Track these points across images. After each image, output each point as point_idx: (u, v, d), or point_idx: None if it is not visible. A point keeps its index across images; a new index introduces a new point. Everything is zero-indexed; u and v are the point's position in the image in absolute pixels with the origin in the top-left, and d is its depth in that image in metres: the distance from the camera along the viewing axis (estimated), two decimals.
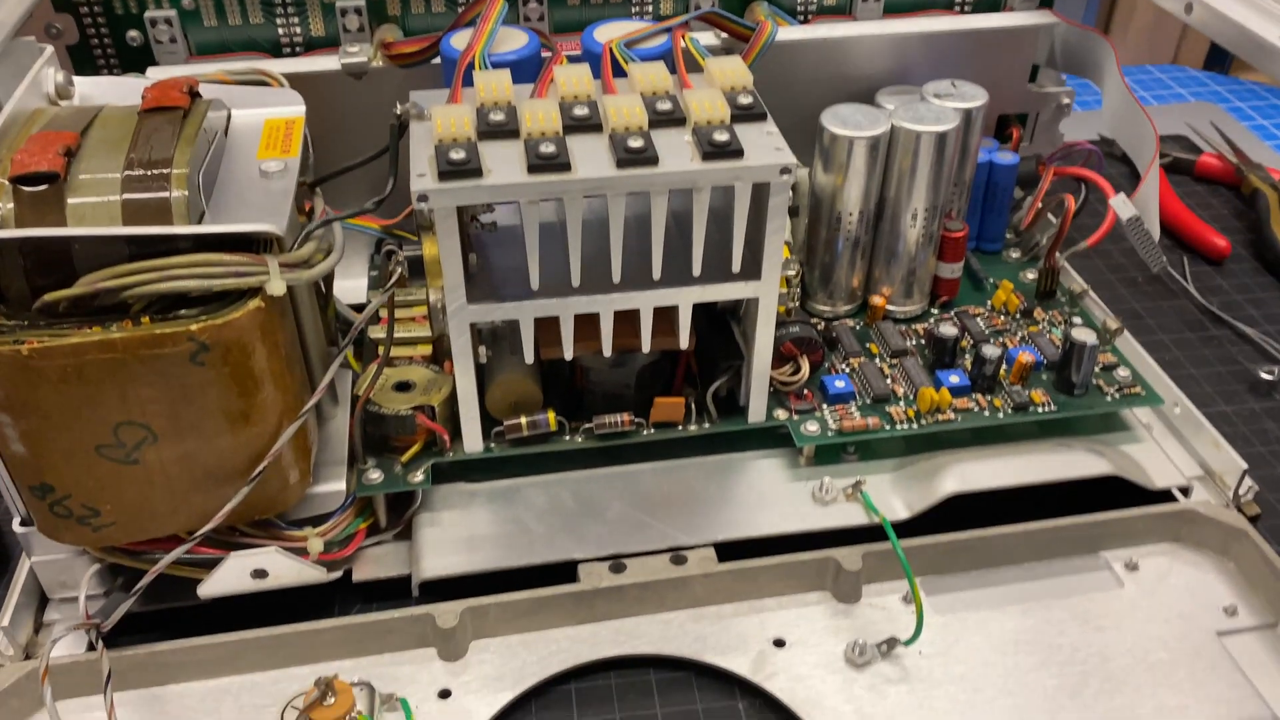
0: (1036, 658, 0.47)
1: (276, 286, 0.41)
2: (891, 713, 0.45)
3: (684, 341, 0.50)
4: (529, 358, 0.49)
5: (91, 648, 0.45)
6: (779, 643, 0.48)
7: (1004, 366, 0.55)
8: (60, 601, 0.49)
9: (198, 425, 0.42)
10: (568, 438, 0.52)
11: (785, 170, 0.44)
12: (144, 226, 0.40)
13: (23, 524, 0.46)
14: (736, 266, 0.47)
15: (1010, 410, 0.54)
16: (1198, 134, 0.87)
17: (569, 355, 0.49)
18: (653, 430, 0.53)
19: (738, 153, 0.44)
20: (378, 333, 0.55)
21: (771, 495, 0.52)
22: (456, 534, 0.50)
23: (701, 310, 0.50)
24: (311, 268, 0.43)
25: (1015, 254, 0.65)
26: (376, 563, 0.51)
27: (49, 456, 0.41)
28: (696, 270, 0.47)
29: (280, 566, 0.46)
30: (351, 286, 0.61)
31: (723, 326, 0.54)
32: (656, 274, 0.47)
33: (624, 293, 0.47)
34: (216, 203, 0.44)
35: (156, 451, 0.42)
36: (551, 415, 0.51)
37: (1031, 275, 0.63)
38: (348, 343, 0.46)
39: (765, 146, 0.45)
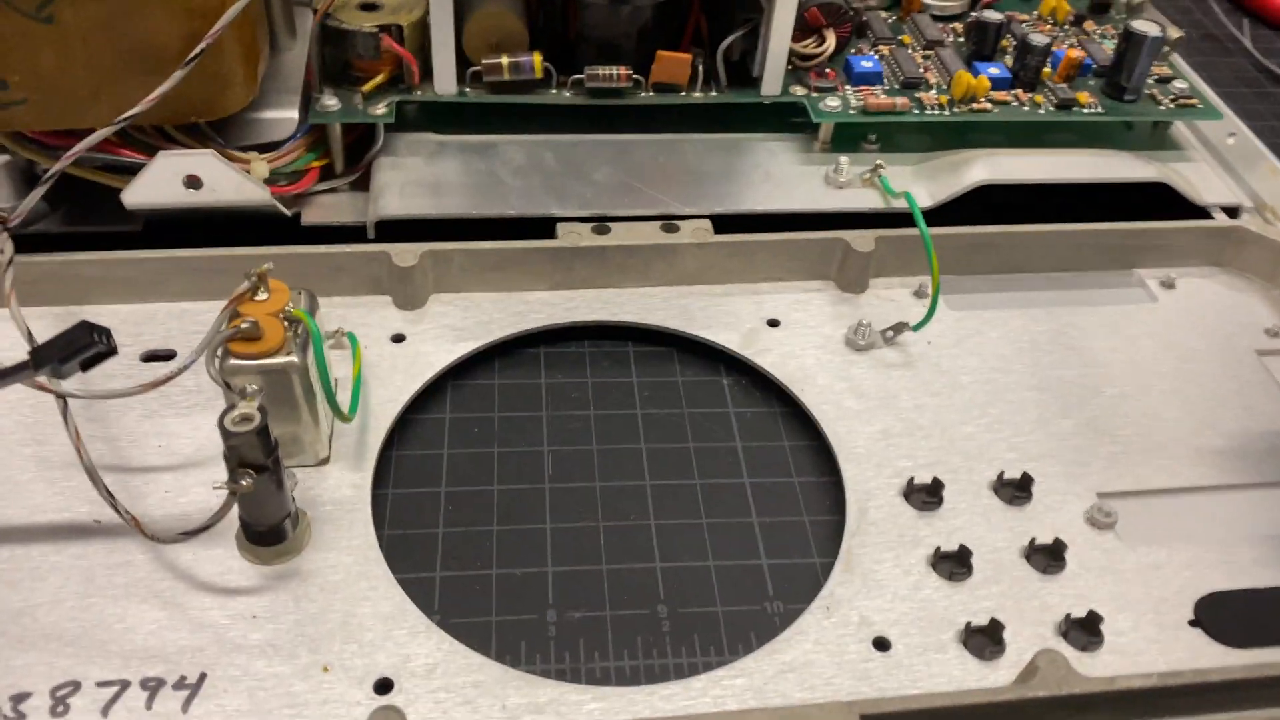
0: (1056, 356, 0.42)
1: None
2: (893, 392, 0.40)
3: None
4: None
5: None
6: (773, 323, 0.43)
7: (1050, 66, 0.49)
8: None
9: None
10: (554, 91, 0.46)
11: None
12: None
13: None
14: None
15: (1053, 107, 0.48)
16: None
17: None
18: (652, 92, 0.46)
19: None
20: None
21: (779, 175, 0.47)
22: (420, 178, 0.45)
23: None
24: None
25: None
26: (330, 209, 0.45)
27: None
28: None
29: (217, 175, 0.40)
30: None
31: None
32: None
33: None
34: None
35: (73, 6, 0.36)
36: (537, 57, 0.45)
37: None
38: None
39: None
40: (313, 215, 0.45)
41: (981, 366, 0.42)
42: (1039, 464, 0.38)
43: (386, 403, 0.39)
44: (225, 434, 0.30)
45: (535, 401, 0.41)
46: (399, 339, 0.41)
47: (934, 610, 0.33)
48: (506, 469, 0.38)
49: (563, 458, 0.38)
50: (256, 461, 0.31)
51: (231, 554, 0.33)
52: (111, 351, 0.29)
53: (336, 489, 0.36)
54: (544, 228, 0.44)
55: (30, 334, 0.35)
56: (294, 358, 0.33)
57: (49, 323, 0.40)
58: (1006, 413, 0.40)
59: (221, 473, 0.34)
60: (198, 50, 0.37)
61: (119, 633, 0.31)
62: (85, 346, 0.28)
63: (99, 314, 0.41)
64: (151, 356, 0.39)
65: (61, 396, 0.33)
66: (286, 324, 0.34)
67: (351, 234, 0.44)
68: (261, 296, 0.34)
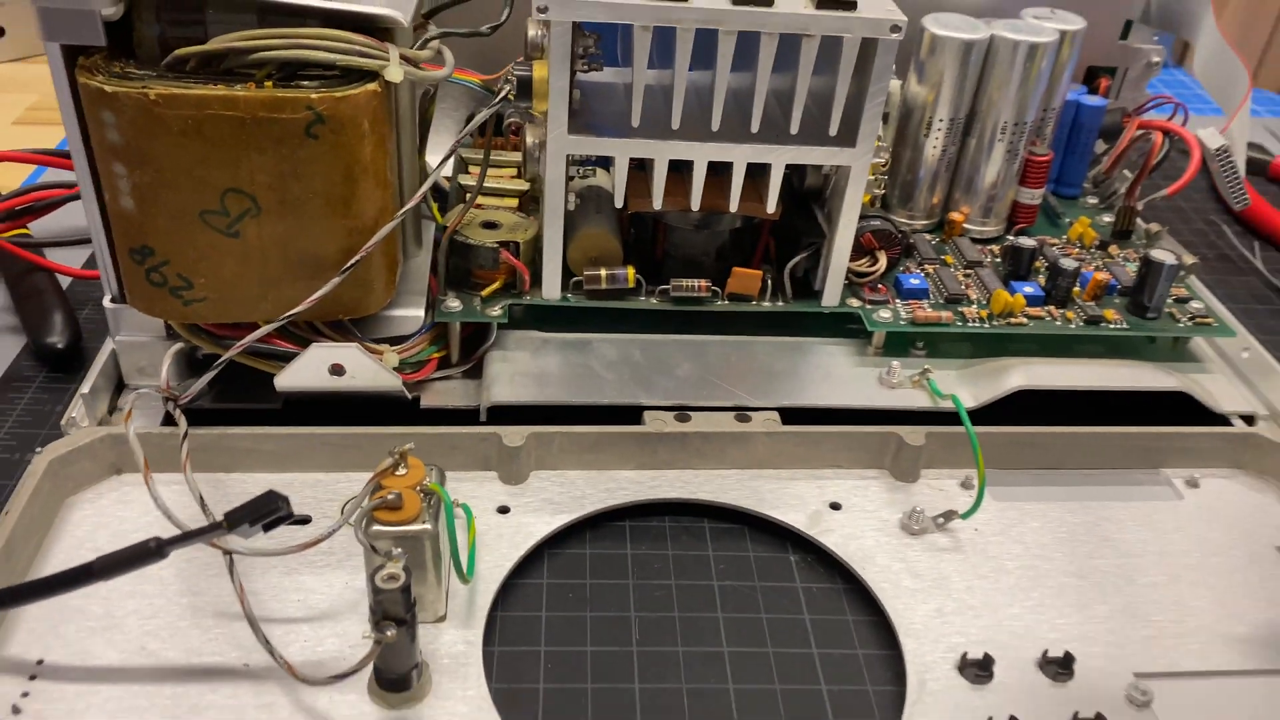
0: (1091, 546, 0.47)
1: (395, 73, 0.42)
2: (945, 574, 0.45)
3: (771, 206, 0.50)
4: (619, 202, 0.50)
5: (169, 421, 0.46)
6: (835, 506, 0.48)
7: (1079, 286, 0.56)
8: (136, 391, 0.50)
9: (300, 204, 0.43)
10: (643, 298, 0.53)
11: (895, 28, 0.45)
12: None
13: (113, 301, 0.47)
14: (834, 129, 0.48)
15: (1082, 323, 0.54)
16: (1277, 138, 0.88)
17: (658, 205, 0.50)
18: (727, 301, 0.53)
19: (851, 4, 0.45)
20: (468, 180, 0.56)
21: (838, 375, 0.53)
22: (526, 370, 0.51)
23: (786, 190, 0.51)
24: (426, 70, 0.44)
25: (1092, 200, 0.66)
26: (445, 394, 0.51)
27: (155, 217, 0.43)
28: (794, 127, 0.48)
29: (359, 364, 0.46)
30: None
31: (805, 209, 0.54)
32: (755, 124, 0.48)
33: (721, 143, 0.48)
34: None
35: (257, 226, 0.43)
36: (630, 271, 0.52)
37: (1108, 219, 0.64)
38: (448, 156, 0.47)
39: (879, 3, 0.46)
40: (430, 399, 0.51)
41: (1025, 553, 0.46)
42: (1080, 644, 0.42)
43: (493, 568, 0.44)
44: (375, 589, 0.35)
45: (622, 570, 0.45)
46: (504, 510, 0.46)
47: None
48: (598, 632, 0.42)
49: (648, 624, 0.43)
50: (398, 615, 0.36)
51: (363, 699, 0.38)
52: (290, 516, 0.34)
53: (452, 645, 0.40)
54: (632, 415, 0.50)
55: (202, 497, 0.41)
56: (429, 526, 0.39)
57: (203, 488, 0.46)
58: (1048, 596, 0.44)
59: (353, 626, 0.39)
60: (353, 261, 0.44)
61: None
62: (272, 511, 0.33)
63: (241, 480, 0.47)
64: (292, 521, 0.45)
65: (228, 553, 0.38)
66: (422, 496, 0.39)
67: (463, 416, 0.50)
68: (401, 472, 0.40)
